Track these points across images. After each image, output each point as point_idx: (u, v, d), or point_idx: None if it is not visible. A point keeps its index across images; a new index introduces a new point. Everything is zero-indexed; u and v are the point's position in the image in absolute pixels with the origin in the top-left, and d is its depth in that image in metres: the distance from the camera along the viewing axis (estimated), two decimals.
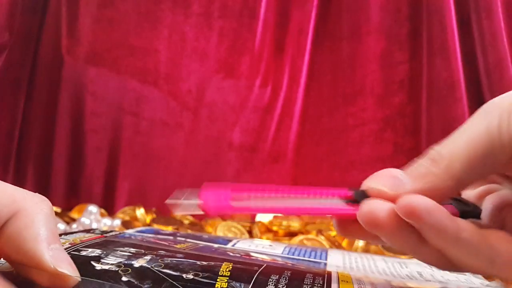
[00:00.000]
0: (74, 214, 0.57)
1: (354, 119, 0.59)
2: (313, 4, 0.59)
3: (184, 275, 0.20)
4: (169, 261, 0.22)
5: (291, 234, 0.52)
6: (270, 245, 0.35)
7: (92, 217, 0.52)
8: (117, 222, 0.52)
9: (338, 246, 0.46)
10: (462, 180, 0.21)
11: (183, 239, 0.33)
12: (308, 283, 0.22)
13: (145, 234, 0.34)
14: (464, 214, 0.23)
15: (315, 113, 0.60)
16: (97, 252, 0.22)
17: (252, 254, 0.30)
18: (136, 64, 0.61)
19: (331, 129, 0.59)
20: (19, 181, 0.60)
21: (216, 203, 0.19)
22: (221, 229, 0.51)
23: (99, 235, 0.27)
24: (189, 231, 0.49)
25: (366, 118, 0.59)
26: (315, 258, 0.32)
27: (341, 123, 0.59)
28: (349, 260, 0.32)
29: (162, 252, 0.24)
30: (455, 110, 0.56)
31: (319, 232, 0.49)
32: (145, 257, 0.22)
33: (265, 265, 0.24)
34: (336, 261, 0.31)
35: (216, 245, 0.32)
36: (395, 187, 0.21)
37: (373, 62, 0.59)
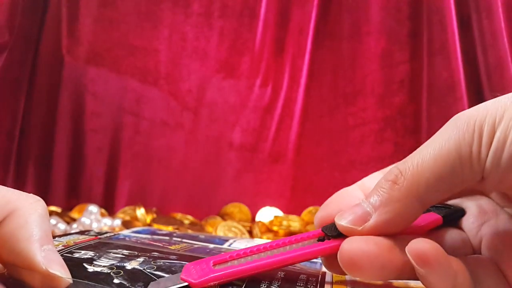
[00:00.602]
0: (74, 214, 0.57)
1: (355, 119, 0.59)
2: (313, 4, 0.59)
3: (175, 275, 0.20)
4: (161, 263, 0.22)
5: (291, 234, 0.51)
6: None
7: (92, 217, 0.52)
8: (117, 222, 0.52)
9: None
10: (429, 200, 0.20)
11: (179, 239, 0.33)
12: (301, 284, 0.22)
13: (141, 235, 0.34)
14: (447, 218, 0.22)
15: (315, 113, 0.60)
16: (90, 254, 0.22)
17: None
18: (137, 64, 0.61)
19: (331, 129, 0.59)
20: (19, 181, 0.60)
21: (199, 272, 0.20)
22: (221, 229, 0.51)
23: (93, 237, 0.27)
24: (189, 231, 0.49)
25: (367, 118, 0.59)
26: None
27: (341, 123, 0.59)
28: None
29: (156, 254, 0.24)
30: (456, 110, 0.55)
31: None
32: (138, 259, 0.22)
33: None
34: None
35: (212, 246, 0.32)
36: (362, 222, 0.20)
37: (373, 62, 0.59)
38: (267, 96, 0.60)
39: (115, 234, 0.30)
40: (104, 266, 0.21)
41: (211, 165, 0.60)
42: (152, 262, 0.22)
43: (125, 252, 0.23)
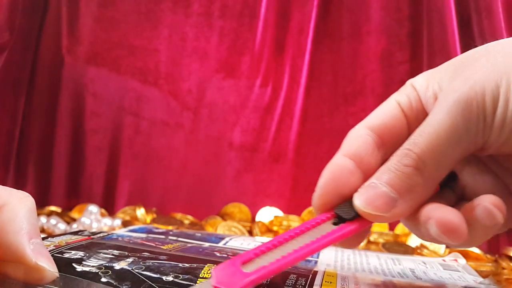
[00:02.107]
0: (74, 214, 0.57)
1: (355, 119, 0.59)
2: (314, 4, 0.59)
3: (164, 277, 0.21)
4: (150, 264, 0.22)
5: None
6: (263, 243, 0.35)
7: (92, 217, 0.52)
8: (117, 222, 0.52)
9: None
10: (443, 177, 0.21)
11: (174, 238, 0.33)
12: (290, 284, 0.22)
13: (135, 234, 0.34)
14: (443, 184, 0.23)
15: (316, 113, 0.60)
16: (80, 254, 0.22)
17: (241, 253, 0.30)
18: (137, 64, 0.61)
19: (332, 129, 0.59)
20: (19, 181, 0.60)
21: (231, 277, 0.19)
22: (221, 229, 0.51)
23: (86, 237, 0.27)
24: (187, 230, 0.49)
25: None
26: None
27: (341, 123, 0.59)
28: (341, 257, 0.32)
29: (146, 254, 0.24)
30: None
31: None
32: (127, 260, 0.22)
33: None
34: (328, 258, 0.31)
35: (206, 244, 0.32)
36: (388, 208, 0.21)
37: (373, 62, 0.59)
38: (267, 96, 0.60)
39: (108, 234, 0.30)
40: (92, 266, 0.21)
41: (211, 165, 0.60)
42: (141, 263, 0.22)
43: (116, 252, 0.24)
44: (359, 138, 0.24)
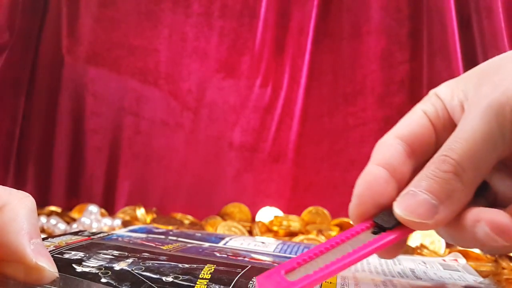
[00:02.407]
0: (74, 214, 0.57)
1: (355, 119, 0.59)
2: (314, 3, 0.59)
3: (163, 278, 0.21)
4: (150, 264, 0.22)
5: (291, 234, 0.52)
6: (263, 243, 0.35)
7: (92, 217, 0.52)
8: (117, 222, 0.52)
9: None
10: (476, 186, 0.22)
11: (174, 238, 0.33)
12: None
13: (136, 234, 0.34)
14: (477, 193, 0.23)
15: (316, 113, 0.60)
16: (79, 255, 0.22)
17: (241, 253, 0.30)
18: (137, 64, 0.61)
19: (332, 129, 0.59)
20: (19, 181, 0.60)
21: (275, 285, 0.20)
22: (221, 229, 0.51)
23: (86, 238, 0.27)
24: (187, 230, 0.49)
25: (367, 118, 0.59)
26: None
27: (341, 123, 0.59)
28: None
29: (146, 254, 0.24)
30: None
31: (319, 232, 0.49)
32: (127, 260, 0.22)
33: (249, 266, 0.24)
34: None
35: (206, 244, 0.32)
36: (430, 215, 0.21)
37: (373, 62, 0.59)
38: (267, 96, 0.60)
39: (108, 234, 0.30)
40: (92, 267, 0.21)
41: (211, 165, 0.60)
42: (141, 263, 0.22)
43: (115, 253, 0.24)
44: (390, 147, 0.25)
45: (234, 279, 0.21)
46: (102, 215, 0.55)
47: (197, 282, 0.21)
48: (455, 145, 0.21)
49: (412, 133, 0.25)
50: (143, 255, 0.24)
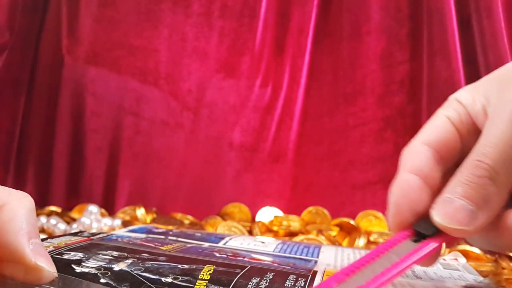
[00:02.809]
0: (74, 214, 0.57)
1: (355, 119, 0.59)
2: (314, 3, 0.59)
3: (163, 279, 0.21)
4: (149, 265, 0.22)
5: (291, 234, 0.52)
6: (263, 242, 0.35)
7: (92, 217, 0.52)
8: (117, 222, 0.52)
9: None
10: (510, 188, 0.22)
11: (174, 238, 0.33)
12: (289, 285, 0.22)
13: (135, 235, 0.34)
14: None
15: (315, 113, 0.60)
16: (79, 255, 0.22)
17: (241, 253, 0.30)
18: (137, 64, 0.61)
19: (332, 128, 0.59)
20: (19, 181, 0.60)
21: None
22: (221, 229, 0.51)
23: (86, 238, 0.27)
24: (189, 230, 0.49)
25: (367, 118, 0.59)
26: (306, 255, 0.32)
27: (341, 123, 0.59)
28: (341, 257, 0.32)
29: (145, 255, 0.24)
30: None
31: (319, 232, 0.49)
32: (126, 261, 0.22)
33: (249, 266, 0.24)
34: (328, 258, 0.31)
35: (206, 244, 0.32)
36: (469, 221, 0.21)
37: (373, 62, 0.59)
38: (267, 96, 0.60)
39: (108, 235, 0.30)
40: (92, 267, 0.21)
41: (211, 165, 0.60)
42: (140, 264, 0.22)
43: (115, 253, 0.23)
44: (419, 154, 0.25)
45: (234, 279, 0.21)
46: (102, 215, 0.55)
47: (197, 283, 0.21)
48: (486, 150, 0.22)
49: (438, 139, 0.25)
50: (143, 255, 0.24)
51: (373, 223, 0.55)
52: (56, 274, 0.20)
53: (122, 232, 0.36)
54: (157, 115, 0.61)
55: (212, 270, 0.22)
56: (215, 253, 0.28)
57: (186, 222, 0.55)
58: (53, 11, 0.61)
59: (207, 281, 0.21)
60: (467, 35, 0.56)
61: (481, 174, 0.21)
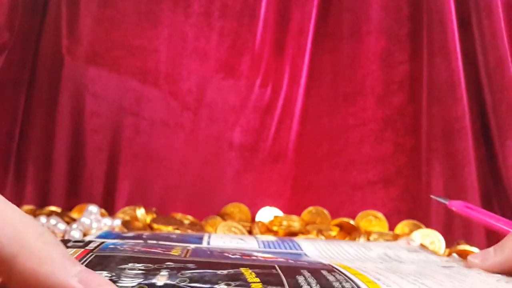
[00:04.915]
0: (74, 214, 0.57)
1: (354, 119, 0.59)
2: (314, 4, 0.59)
3: (215, 286, 0.19)
4: (189, 274, 0.21)
5: (291, 234, 0.52)
6: (241, 239, 0.34)
7: (92, 217, 0.52)
8: (117, 222, 0.52)
9: None
10: None
11: (154, 242, 0.32)
12: (332, 280, 0.21)
13: (128, 241, 0.33)
14: None
15: (315, 113, 0.60)
16: (105, 275, 0.20)
17: (245, 252, 0.29)
18: (136, 64, 0.61)
19: (332, 129, 0.59)
20: (19, 181, 0.60)
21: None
22: (221, 229, 0.51)
23: (83, 250, 0.25)
24: (189, 231, 0.49)
25: (366, 118, 0.59)
26: (291, 249, 0.32)
27: (341, 123, 0.59)
28: (322, 249, 0.33)
29: (171, 264, 0.22)
30: (456, 110, 0.56)
31: (319, 232, 0.49)
32: (162, 273, 0.21)
33: (276, 265, 0.24)
34: (312, 250, 0.32)
35: (192, 246, 0.31)
36: None
37: (373, 62, 0.59)
38: (267, 96, 0.60)
39: (101, 243, 0.27)
40: (132, 287, 0.19)
41: (211, 165, 0.60)
42: (179, 274, 0.20)
43: (138, 265, 0.22)
44: None
45: (283, 279, 0.21)
46: (102, 215, 0.55)
47: (252, 286, 0.20)
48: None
49: None
50: (169, 264, 0.22)
51: (373, 223, 0.55)
52: None
53: (110, 241, 0.34)
54: (157, 115, 0.61)
55: (252, 273, 0.21)
56: (225, 254, 0.27)
57: (186, 222, 0.55)
58: (53, 11, 0.61)
59: (261, 283, 0.20)
60: (467, 35, 0.56)
61: None
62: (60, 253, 0.18)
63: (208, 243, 0.33)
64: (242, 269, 0.22)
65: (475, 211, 0.36)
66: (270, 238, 0.36)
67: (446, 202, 0.38)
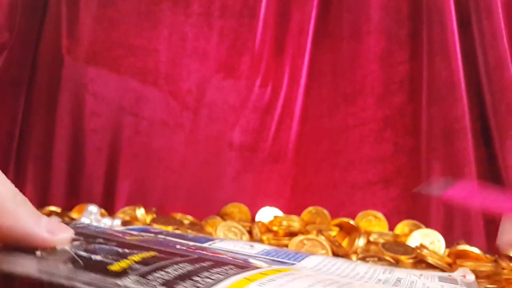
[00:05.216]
0: (74, 214, 0.57)
1: (354, 119, 0.59)
2: (313, 4, 0.59)
3: (92, 256, 0.21)
4: (92, 246, 0.22)
5: (291, 234, 0.51)
6: (251, 246, 0.33)
7: (92, 217, 0.52)
8: (117, 222, 0.52)
9: (338, 246, 0.46)
10: None
11: (162, 237, 0.32)
12: (221, 271, 0.21)
13: (122, 228, 0.33)
14: None
15: (315, 113, 0.60)
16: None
17: (210, 248, 0.29)
18: (136, 64, 0.61)
19: (331, 129, 0.59)
20: (19, 181, 0.60)
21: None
22: (221, 229, 0.51)
23: None
24: (189, 231, 0.49)
25: (366, 118, 0.59)
26: (288, 259, 0.30)
27: (341, 123, 0.59)
28: (328, 263, 0.30)
29: (100, 240, 0.24)
30: (455, 110, 0.56)
31: (319, 232, 0.49)
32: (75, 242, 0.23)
33: (194, 256, 0.23)
34: (313, 262, 0.30)
35: (190, 244, 0.31)
36: None
37: (373, 62, 0.59)
38: (267, 96, 0.60)
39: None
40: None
41: (211, 165, 0.60)
42: (84, 245, 0.22)
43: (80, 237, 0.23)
44: None
45: (163, 264, 0.21)
46: (102, 215, 0.55)
47: (121, 261, 0.20)
48: None
49: None
50: (97, 240, 0.24)
51: (373, 223, 0.55)
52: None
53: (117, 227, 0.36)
54: (157, 115, 0.61)
55: (151, 255, 0.22)
56: (177, 246, 0.27)
57: (186, 222, 0.55)
58: (53, 11, 0.61)
59: (135, 261, 0.20)
60: (467, 35, 0.56)
61: None
62: (29, 210, 0.21)
63: (211, 245, 0.33)
64: (148, 252, 0.22)
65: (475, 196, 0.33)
66: (281, 249, 0.33)
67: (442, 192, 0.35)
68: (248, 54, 0.60)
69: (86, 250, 0.21)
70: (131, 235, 0.29)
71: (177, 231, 0.39)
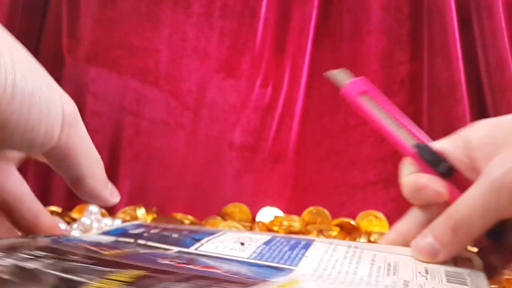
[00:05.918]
0: (74, 214, 0.57)
1: (355, 119, 0.59)
2: (314, 3, 0.59)
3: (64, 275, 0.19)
4: (66, 264, 0.21)
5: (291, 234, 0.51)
6: (242, 244, 0.30)
7: (92, 217, 0.52)
8: (117, 222, 0.52)
9: None
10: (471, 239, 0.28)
11: (143, 242, 0.31)
12: None
13: (103, 237, 0.32)
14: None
15: (316, 113, 0.60)
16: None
17: (199, 260, 0.27)
18: (137, 64, 0.61)
19: (332, 128, 0.59)
20: None
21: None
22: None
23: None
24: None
25: None
26: (285, 263, 0.27)
27: (341, 123, 0.59)
28: (327, 262, 0.28)
29: (73, 257, 0.23)
30: (456, 110, 0.55)
31: (320, 232, 0.49)
32: (46, 261, 0.21)
33: (184, 274, 0.22)
34: (310, 263, 0.27)
35: (175, 249, 0.29)
36: (434, 256, 0.27)
37: (374, 62, 0.59)
38: (267, 96, 0.60)
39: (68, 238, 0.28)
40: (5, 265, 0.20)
41: (212, 165, 0.60)
42: (56, 264, 0.21)
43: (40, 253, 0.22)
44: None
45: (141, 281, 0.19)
46: (103, 215, 0.55)
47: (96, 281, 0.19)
48: (457, 208, 0.27)
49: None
50: (69, 257, 0.23)
51: (374, 223, 0.55)
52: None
53: (92, 235, 0.34)
54: (157, 115, 0.61)
55: (136, 275, 0.20)
56: (160, 260, 0.25)
57: (187, 222, 0.55)
58: (53, 11, 0.61)
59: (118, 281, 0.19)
60: (468, 35, 0.56)
61: (448, 225, 0.27)
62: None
63: (197, 249, 0.29)
64: (129, 271, 0.21)
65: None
66: (276, 242, 0.31)
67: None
68: (248, 54, 0.60)
69: (60, 269, 0.20)
70: (110, 248, 0.27)
71: (157, 230, 0.37)
